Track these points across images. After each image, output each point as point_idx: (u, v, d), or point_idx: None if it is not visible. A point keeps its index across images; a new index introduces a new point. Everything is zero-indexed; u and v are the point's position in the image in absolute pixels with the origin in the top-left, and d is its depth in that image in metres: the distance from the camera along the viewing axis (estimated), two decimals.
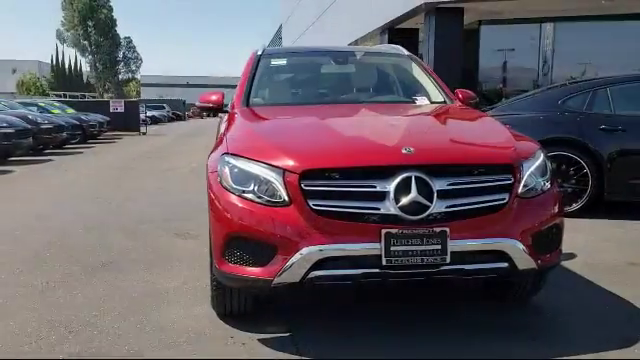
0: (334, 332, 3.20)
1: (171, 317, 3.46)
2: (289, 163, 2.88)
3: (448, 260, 2.81)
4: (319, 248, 2.78)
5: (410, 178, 2.79)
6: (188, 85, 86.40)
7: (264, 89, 4.45)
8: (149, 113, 35.20)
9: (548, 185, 3.15)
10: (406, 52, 4.89)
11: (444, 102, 4.32)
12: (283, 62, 4.71)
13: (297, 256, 2.79)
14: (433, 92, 4.43)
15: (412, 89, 4.48)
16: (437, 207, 2.80)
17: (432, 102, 4.30)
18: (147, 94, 77.22)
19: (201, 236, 5.47)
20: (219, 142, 3.50)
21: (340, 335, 3.16)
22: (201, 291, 3.90)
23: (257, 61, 4.55)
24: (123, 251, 5.00)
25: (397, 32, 12.56)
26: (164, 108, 48.67)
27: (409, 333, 3.19)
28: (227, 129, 3.69)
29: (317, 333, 3.19)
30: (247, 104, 4.12)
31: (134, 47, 79.51)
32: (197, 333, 3.22)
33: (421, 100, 4.30)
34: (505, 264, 2.92)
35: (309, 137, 3.29)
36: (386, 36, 12.63)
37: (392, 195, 2.78)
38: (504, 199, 2.93)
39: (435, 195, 2.80)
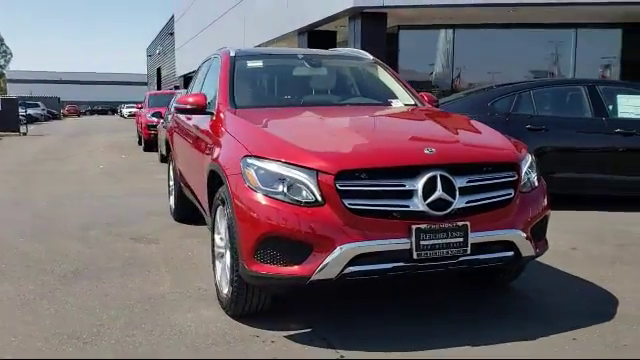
0: (351, 326, 3.35)
1: (184, 321, 3.42)
2: (323, 165, 2.99)
3: (469, 251, 3.07)
4: (356, 245, 2.92)
5: (435, 177, 3.02)
6: (62, 82, 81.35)
7: (246, 91, 4.47)
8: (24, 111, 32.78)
9: (537, 181, 3.51)
10: (371, 57, 5.12)
11: (415, 105, 4.59)
12: (259, 64, 4.75)
13: (335, 253, 2.91)
14: (404, 95, 4.69)
15: (386, 92, 4.71)
16: (459, 203, 3.05)
17: (405, 104, 4.55)
18: (15, 91, 71.73)
19: (161, 241, 5.39)
20: (229, 144, 3.53)
21: (358, 328, 3.32)
22: (197, 295, 3.89)
23: (232, 63, 4.57)
24: (86, 259, 4.79)
25: (316, 34, 12.83)
26: (39, 106, 45.51)
27: (423, 323, 3.42)
28: (229, 131, 3.71)
29: (338, 327, 3.32)
30: (234, 106, 4.13)
31: (2, 40, 73.55)
32: (220, 335, 3.23)
33: (395, 102, 4.54)
34: (511, 253, 3.24)
35: (332, 139, 3.41)
36: (305, 38, 12.85)
37: (420, 193, 2.99)
38: (510, 194, 3.24)
39: (457, 192, 3.05)
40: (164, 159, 9.67)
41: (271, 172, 3.07)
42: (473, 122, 4.00)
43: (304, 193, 2.99)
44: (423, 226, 2.98)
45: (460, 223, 3.05)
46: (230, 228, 3.23)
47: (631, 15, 10.71)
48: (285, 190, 3.02)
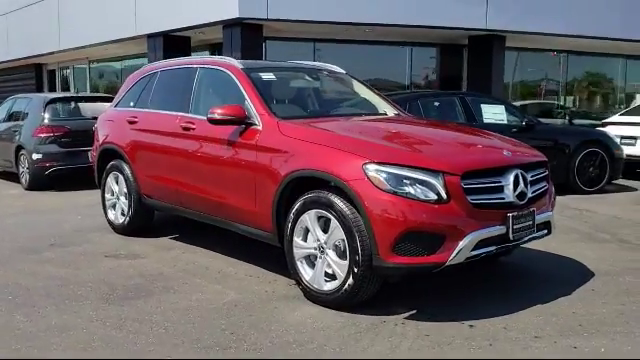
0: (441, 303, 3.97)
1: (300, 319, 3.65)
2: (449, 167, 3.57)
3: (535, 231, 3.95)
4: (479, 233, 3.58)
5: (518, 174, 3.83)
6: None
7: (276, 103, 4.67)
8: None
9: None
10: (343, 70, 5.68)
11: (398, 114, 5.32)
12: (272, 77, 4.96)
13: (465, 241, 3.53)
14: (387, 106, 5.38)
15: (380, 103, 5.34)
16: (530, 193, 3.91)
17: (395, 114, 5.25)
18: None
19: (144, 255, 5.19)
20: (320, 151, 3.85)
21: (447, 305, 3.95)
22: (279, 296, 4.08)
23: (248, 75, 4.73)
24: (96, 280, 4.50)
25: (170, 39, 12.50)
26: None
27: (474, 294, 4.19)
28: (307, 140, 3.99)
29: (433, 306, 3.90)
30: (278, 117, 4.35)
31: None
32: (347, 325, 3.54)
33: (390, 111, 5.22)
34: (546, 230, 4.20)
35: (428, 147, 3.98)
36: (159, 42, 12.43)
37: (511, 187, 3.77)
38: (546, 186, 4.20)
39: (529, 185, 3.90)
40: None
41: (398, 175, 3.54)
42: (485, 131, 4.88)
43: (429, 192, 3.54)
44: (515, 213, 3.77)
45: (531, 209, 3.91)
46: (352, 229, 3.58)
47: (445, 37, 12.96)
48: (413, 191, 3.52)
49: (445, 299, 4.06)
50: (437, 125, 5.07)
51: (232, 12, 10.19)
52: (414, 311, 3.79)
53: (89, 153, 6.81)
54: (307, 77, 5.28)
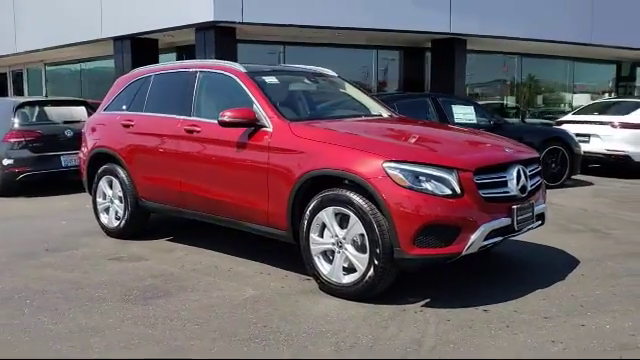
0: (450, 293, 4.23)
1: (325, 311, 3.84)
2: (462, 164, 3.84)
3: (534, 221, 4.28)
4: (490, 224, 3.87)
5: (520, 169, 4.14)
6: None
7: (282, 106, 4.81)
8: None
9: None
10: (335, 74, 5.89)
11: (391, 115, 5.58)
12: (275, 80, 5.11)
13: (478, 232, 3.81)
14: (380, 107, 5.63)
15: (374, 105, 5.58)
16: (529, 187, 4.24)
17: (390, 115, 5.50)
18: None
19: (146, 257, 5.25)
20: (337, 151, 4.05)
21: (457, 294, 4.23)
22: (294, 291, 4.26)
23: (253, 79, 4.89)
24: (111, 281, 4.55)
25: (139, 41, 12.36)
26: None
27: (480, 283, 4.49)
28: (322, 140, 4.18)
29: (444, 295, 4.16)
30: (289, 119, 4.53)
31: None
32: (370, 315, 3.76)
33: (384, 114, 5.47)
34: (540, 221, 4.53)
35: (440, 145, 4.23)
36: (127, 44, 12.27)
37: (515, 181, 4.08)
38: (540, 180, 4.54)
39: (528, 179, 4.23)
40: None
41: (416, 172, 3.79)
42: (480, 131, 5.19)
43: (444, 188, 3.80)
44: (518, 205, 4.08)
45: (530, 201, 4.24)
46: (373, 224, 3.80)
47: (409, 41, 13.40)
48: (430, 187, 3.77)
49: (453, 288, 4.32)
50: (436, 125, 5.37)
51: (207, 15, 10.25)
52: (428, 299, 4.04)
53: (77, 157, 6.75)
54: (306, 80, 5.46)
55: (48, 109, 9.66)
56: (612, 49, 15.05)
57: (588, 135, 10.74)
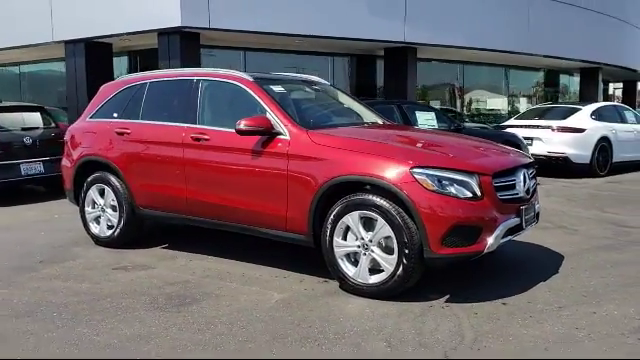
0: (462, 289, 4.54)
1: (351, 310, 4.04)
2: (482, 169, 4.16)
3: (535, 220, 4.68)
4: (506, 224, 4.22)
5: (525, 173, 4.53)
6: None
7: (297, 114, 4.94)
8: None
9: None
10: (328, 82, 6.11)
11: (384, 122, 5.86)
12: (282, 89, 5.23)
13: (497, 232, 4.14)
14: (373, 114, 5.89)
15: (365, 112, 5.82)
16: (531, 188, 4.63)
17: (384, 122, 5.78)
18: None
19: (157, 265, 5.25)
20: (361, 157, 4.27)
21: (469, 289, 4.54)
22: (318, 292, 4.43)
23: (262, 87, 5.01)
24: (126, 290, 4.54)
25: (93, 45, 11.93)
26: None
27: (485, 278, 4.84)
28: (343, 148, 4.38)
29: (460, 291, 4.46)
30: (305, 127, 4.69)
31: None
32: (400, 312, 3.98)
33: (379, 121, 5.74)
34: (536, 220, 4.94)
35: (461, 150, 4.53)
36: (80, 48, 11.81)
37: (522, 184, 4.46)
38: (536, 182, 4.95)
39: (530, 181, 4.62)
40: None
41: (441, 177, 4.07)
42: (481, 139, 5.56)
43: (466, 191, 4.10)
44: (525, 206, 4.45)
45: (532, 201, 4.63)
46: (401, 226, 4.04)
47: (363, 48, 13.82)
48: (454, 190, 4.07)
49: (466, 285, 4.62)
50: (437, 133, 5.72)
51: (174, 21, 10.15)
52: (448, 296, 4.33)
53: (61, 165, 6.55)
54: (307, 89, 5.63)
55: (2, 115, 9.24)
56: (543, 58, 16.17)
57: (531, 138, 11.51)
